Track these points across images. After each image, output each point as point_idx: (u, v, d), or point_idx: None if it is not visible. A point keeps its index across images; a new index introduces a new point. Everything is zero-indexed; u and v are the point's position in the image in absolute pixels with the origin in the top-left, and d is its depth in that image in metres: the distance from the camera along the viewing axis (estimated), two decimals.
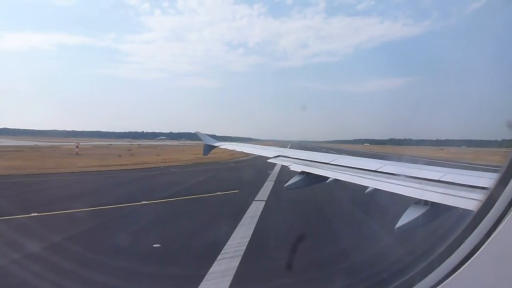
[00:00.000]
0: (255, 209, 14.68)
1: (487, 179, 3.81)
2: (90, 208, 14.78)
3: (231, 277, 8.10)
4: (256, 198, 16.89)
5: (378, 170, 7.88)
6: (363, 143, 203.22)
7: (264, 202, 16.22)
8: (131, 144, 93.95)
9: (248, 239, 10.97)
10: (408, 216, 5.67)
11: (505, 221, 1.43)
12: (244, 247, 10.22)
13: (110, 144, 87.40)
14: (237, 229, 11.94)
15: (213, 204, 16.67)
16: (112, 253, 9.83)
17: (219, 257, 9.44)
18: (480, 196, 1.58)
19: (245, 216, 13.62)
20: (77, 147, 52.85)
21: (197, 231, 12.26)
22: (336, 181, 8.53)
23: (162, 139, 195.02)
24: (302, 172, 9.68)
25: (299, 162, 10.39)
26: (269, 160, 11.35)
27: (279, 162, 11.02)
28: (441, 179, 6.05)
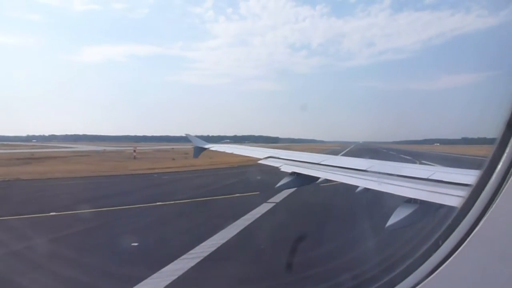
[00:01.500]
0: (258, 211, 14.47)
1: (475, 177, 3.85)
2: (89, 210, 14.83)
3: (174, 278, 7.94)
4: (269, 200, 16.50)
5: (368, 169, 7.92)
6: (433, 143, 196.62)
7: (273, 204, 15.98)
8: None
9: (224, 241, 10.68)
10: (398, 215, 5.69)
11: (486, 216, 1.44)
12: (213, 249, 9.93)
13: (173, 148, 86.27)
14: (223, 230, 11.63)
15: (223, 205, 16.24)
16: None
17: (182, 256, 9.20)
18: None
19: (243, 217, 13.34)
20: (134, 151, 54.56)
21: (184, 231, 12.08)
22: (327, 181, 8.57)
23: (227, 142, 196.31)
24: (293, 173, 9.69)
25: (289, 163, 10.36)
26: (260, 162, 11.32)
27: (270, 163, 10.97)
28: (430, 177, 6.10)
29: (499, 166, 1.43)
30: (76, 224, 13.05)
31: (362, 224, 12.57)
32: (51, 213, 14.45)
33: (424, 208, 5.36)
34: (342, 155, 40.11)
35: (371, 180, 7.15)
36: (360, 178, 7.51)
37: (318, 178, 8.64)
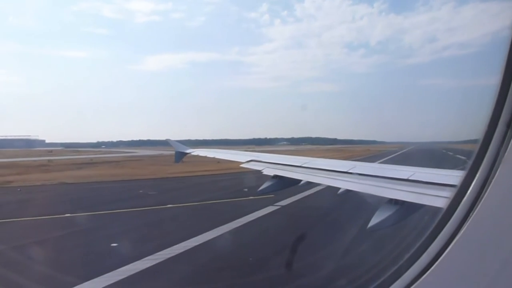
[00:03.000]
0: (256, 214, 14.60)
1: (455, 177, 3.90)
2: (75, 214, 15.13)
3: (121, 278, 8.09)
4: (277, 203, 16.56)
5: (350, 171, 7.98)
6: None
7: (278, 207, 16.05)
8: (246, 150, 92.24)
9: (196, 244, 10.70)
10: (380, 216, 5.74)
11: (472, 217, 1.44)
12: (178, 252, 9.97)
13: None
14: (205, 233, 11.72)
15: (229, 207, 16.47)
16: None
17: (146, 258, 9.34)
18: (448, 193, 1.60)
19: (237, 220, 13.51)
20: None
21: (170, 232, 12.32)
22: (309, 183, 8.58)
23: (283, 144, 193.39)
24: (275, 176, 9.67)
25: (271, 166, 10.36)
26: (242, 165, 11.26)
27: (252, 166, 10.94)
28: (410, 178, 6.18)
29: (481, 166, 1.42)
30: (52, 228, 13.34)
31: (345, 226, 12.60)
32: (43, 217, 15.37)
33: (405, 208, 5.42)
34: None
35: (353, 182, 7.20)
36: (342, 180, 7.56)
37: (300, 180, 8.63)
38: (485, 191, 1.41)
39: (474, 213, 1.43)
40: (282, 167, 10.06)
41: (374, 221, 5.63)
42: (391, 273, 1.61)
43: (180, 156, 14.29)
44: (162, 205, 16.95)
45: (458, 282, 1.45)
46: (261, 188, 9.55)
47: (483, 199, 1.41)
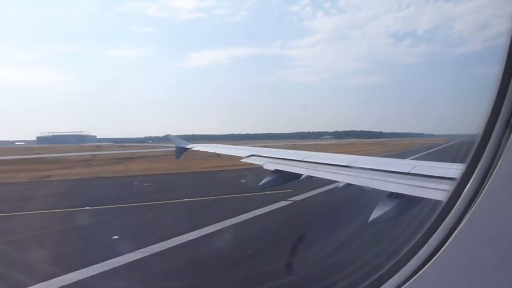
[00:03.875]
0: (263, 210, 14.67)
1: (455, 170, 3.91)
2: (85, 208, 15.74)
3: (109, 269, 8.49)
4: (290, 198, 16.65)
5: (350, 165, 7.98)
6: None
7: (290, 203, 16.06)
8: (287, 144, 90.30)
9: (188, 239, 10.89)
10: (381, 209, 5.76)
11: (472, 210, 1.44)
12: (166, 247, 10.15)
13: (264, 145, 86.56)
14: (205, 228, 11.94)
15: (242, 202, 16.58)
16: None
17: (139, 250, 9.65)
18: (448, 186, 1.60)
19: (241, 215, 13.67)
20: None
21: (174, 226, 12.65)
22: (309, 177, 8.58)
23: (327, 138, 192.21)
24: (276, 171, 9.68)
25: (272, 161, 10.35)
26: (243, 160, 11.26)
27: (252, 161, 10.95)
28: (410, 172, 6.19)
29: (482, 159, 1.43)
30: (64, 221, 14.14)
31: (349, 221, 12.56)
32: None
33: (405, 202, 5.43)
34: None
35: (353, 176, 7.21)
36: (342, 174, 7.57)
37: (301, 175, 8.63)
38: (486, 184, 1.41)
39: (474, 206, 1.43)
40: (283, 162, 10.05)
41: (374, 214, 5.65)
42: (391, 265, 1.62)
43: (181, 151, 14.31)
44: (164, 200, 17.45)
45: (458, 274, 1.46)
46: (262, 182, 9.57)
47: (483, 191, 1.41)
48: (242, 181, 23.38)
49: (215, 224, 12.25)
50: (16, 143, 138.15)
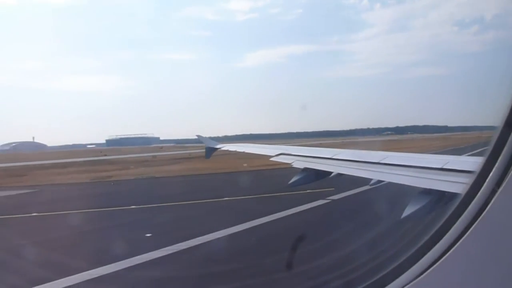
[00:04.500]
0: (295, 209, 14.80)
1: None
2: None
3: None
4: (330, 197, 16.54)
5: (381, 162, 7.88)
6: None
7: (327, 201, 16.10)
8: (343, 141, 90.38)
9: (203, 241, 11.10)
10: (414, 206, 5.67)
11: (491, 203, 1.44)
12: (181, 248, 10.47)
13: (320, 143, 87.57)
14: (230, 228, 12.27)
15: (281, 201, 16.83)
16: None
17: (155, 251, 10.11)
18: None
19: (274, 214, 13.96)
20: None
21: (206, 224, 13.05)
22: (339, 175, 8.53)
23: (388, 134, 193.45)
24: (305, 169, 9.67)
25: (301, 159, 10.34)
26: (272, 159, 11.31)
27: (281, 160, 10.98)
28: (443, 167, 6.05)
29: (503, 152, 1.43)
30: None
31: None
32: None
33: (439, 198, 5.32)
34: None
35: (384, 172, 7.12)
36: (373, 171, 7.49)
37: (331, 172, 8.60)
38: (506, 177, 1.41)
39: (494, 199, 1.43)
40: (312, 160, 10.01)
41: (407, 211, 5.57)
42: (409, 256, 1.63)
43: (211, 151, 14.53)
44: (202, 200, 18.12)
45: (476, 265, 1.47)
46: (291, 181, 9.57)
47: (503, 185, 1.41)
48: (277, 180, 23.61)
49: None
50: (88, 146, 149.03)
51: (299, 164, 10.03)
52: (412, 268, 1.57)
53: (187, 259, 9.97)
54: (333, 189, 16.98)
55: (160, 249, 10.15)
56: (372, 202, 15.17)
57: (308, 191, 17.62)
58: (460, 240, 1.47)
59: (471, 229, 1.46)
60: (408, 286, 1.51)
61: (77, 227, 13.43)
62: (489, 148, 1.57)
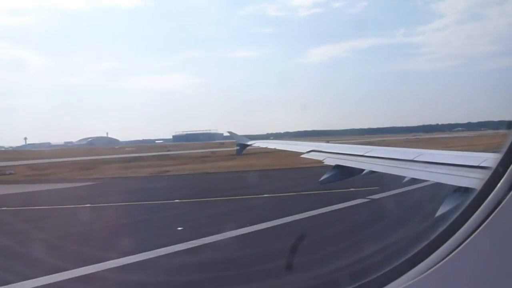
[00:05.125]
0: (336, 207, 14.66)
1: None
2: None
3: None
4: (371, 196, 16.14)
5: (415, 159, 7.68)
6: None
7: (368, 200, 15.79)
8: (408, 138, 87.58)
9: (231, 236, 11.35)
10: (448, 204, 5.51)
11: (505, 201, 1.41)
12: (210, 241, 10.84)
13: (383, 140, 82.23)
14: (264, 223, 12.37)
15: (326, 199, 16.46)
16: None
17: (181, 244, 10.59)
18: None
19: (312, 211, 13.89)
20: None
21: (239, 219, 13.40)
22: (372, 172, 8.39)
23: (458, 130, 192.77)
24: (336, 166, 9.56)
25: (332, 156, 10.22)
26: (303, 156, 11.27)
27: (312, 157, 10.91)
28: (480, 165, 5.82)
29: None
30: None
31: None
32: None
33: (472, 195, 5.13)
34: None
35: (418, 170, 6.95)
36: (407, 168, 7.34)
37: (363, 170, 8.49)
38: None
39: (507, 198, 1.40)
40: (344, 157, 9.87)
41: (442, 210, 5.42)
42: (422, 249, 1.62)
43: (242, 148, 14.68)
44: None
45: (487, 261, 1.44)
46: (322, 178, 9.50)
47: None
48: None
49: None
50: (156, 141, 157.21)
51: (330, 161, 9.94)
52: (421, 264, 1.55)
53: None
54: (378, 187, 16.56)
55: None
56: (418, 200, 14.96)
57: (352, 189, 17.12)
58: (471, 237, 1.45)
59: (482, 226, 1.44)
60: (416, 280, 1.51)
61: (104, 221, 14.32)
62: (506, 145, 1.53)
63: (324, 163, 10.11)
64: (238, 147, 15.11)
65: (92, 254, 9.58)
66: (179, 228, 12.54)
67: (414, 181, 6.96)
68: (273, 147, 13.73)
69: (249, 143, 14.75)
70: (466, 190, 5.39)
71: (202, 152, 60.97)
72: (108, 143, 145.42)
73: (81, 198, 19.88)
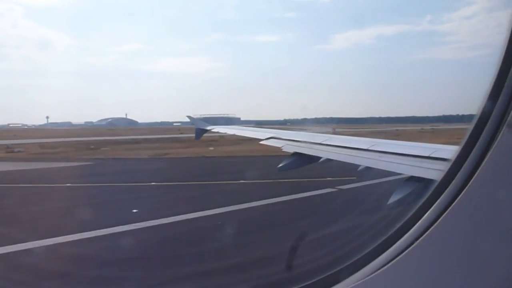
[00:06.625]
0: (295, 196, 14.67)
1: None
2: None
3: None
4: (340, 187, 16.05)
5: (370, 148, 7.88)
6: None
7: (335, 190, 15.74)
8: (423, 128, 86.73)
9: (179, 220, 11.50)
10: (400, 193, 5.71)
11: (466, 189, 1.43)
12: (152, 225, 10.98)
13: (397, 129, 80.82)
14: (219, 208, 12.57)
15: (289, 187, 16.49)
16: None
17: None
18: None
19: (269, 199, 13.95)
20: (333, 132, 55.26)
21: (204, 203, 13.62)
22: (329, 160, 8.54)
23: None
24: (295, 153, 9.64)
25: (291, 143, 10.28)
26: (262, 142, 11.27)
27: (271, 143, 10.93)
28: (431, 155, 6.07)
29: (479, 141, 1.41)
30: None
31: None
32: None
33: (425, 185, 5.35)
34: None
35: (372, 159, 7.14)
36: (361, 157, 7.51)
37: (320, 158, 8.59)
38: (480, 165, 1.41)
39: (468, 186, 1.43)
40: (302, 144, 9.94)
41: (393, 198, 5.61)
42: (382, 242, 1.62)
43: (201, 133, 14.44)
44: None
45: (446, 254, 1.46)
46: (280, 165, 9.55)
47: (477, 173, 1.41)
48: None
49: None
50: (174, 123, 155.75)
51: (289, 148, 9.99)
52: (379, 258, 1.55)
53: None
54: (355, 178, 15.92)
55: None
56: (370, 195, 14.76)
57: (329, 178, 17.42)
58: (428, 231, 1.46)
59: (440, 219, 1.45)
60: (375, 273, 1.51)
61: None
62: (465, 138, 1.56)
63: (283, 150, 10.17)
64: (196, 132, 14.81)
65: (15, 236, 9.52)
66: (134, 211, 12.60)
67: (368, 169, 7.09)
68: (232, 133, 13.62)
69: (208, 128, 14.52)
70: (417, 180, 5.62)
71: (212, 136, 60.00)
72: (127, 124, 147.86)
73: (67, 178, 20.30)
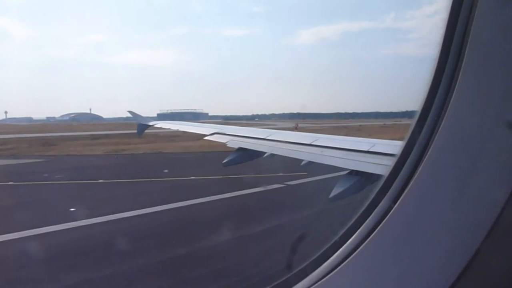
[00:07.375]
0: (244, 192, 14.74)
1: None
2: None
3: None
4: (288, 182, 16.09)
5: (312, 143, 8.05)
6: None
7: (281, 186, 15.81)
8: (385, 124, 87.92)
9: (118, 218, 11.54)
10: (341, 186, 5.88)
11: (411, 184, 1.45)
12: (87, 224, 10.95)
13: (360, 125, 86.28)
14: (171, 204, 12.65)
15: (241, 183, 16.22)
16: None
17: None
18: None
19: (218, 196, 14.04)
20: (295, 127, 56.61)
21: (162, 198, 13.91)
22: (272, 155, 8.61)
23: None
24: (239, 149, 9.62)
25: (235, 139, 10.24)
26: (206, 138, 11.12)
27: (216, 139, 10.83)
28: (370, 150, 6.32)
29: (421, 135, 1.44)
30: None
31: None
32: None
33: (364, 178, 5.56)
34: None
35: (314, 154, 7.30)
36: (304, 152, 7.64)
37: (264, 153, 8.64)
38: (423, 159, 1.43)
39: (412, 181, 1.44)
40: (246, 140, 9.95)
41: (335, 191, 5.76)
42: (334, 242, 1.60)
43: (143, 128, 13.97)
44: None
45: (396, 248, 1.46)
46: (225, 160, 9.50)
47: (421, 166, 1.42)
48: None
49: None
50: None
51: (233, 143, 9.95)
52: (324, 264, 1.53)
53: None
54: (306, 173, 16.26)
55: None
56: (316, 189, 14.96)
57: (280, 174, 17.29)
58: (379, 227, 1.46)
59: (389, 214, 1.45)
60: (322, 280, 1.48)
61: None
62: (408, 133, 1.58)
63: (227, 145, 10.11)
64: (138, 127, 14.28)
65: None
66: (72, 209, 12.25)
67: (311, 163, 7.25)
68: (175, 128, 13.30)
69: (150, 123, 14.07)
70: (356, 173, 5.82)
71: (175, 132, 57.66)
72: (91, 120, 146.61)
73: (11, 175, 19.44)
